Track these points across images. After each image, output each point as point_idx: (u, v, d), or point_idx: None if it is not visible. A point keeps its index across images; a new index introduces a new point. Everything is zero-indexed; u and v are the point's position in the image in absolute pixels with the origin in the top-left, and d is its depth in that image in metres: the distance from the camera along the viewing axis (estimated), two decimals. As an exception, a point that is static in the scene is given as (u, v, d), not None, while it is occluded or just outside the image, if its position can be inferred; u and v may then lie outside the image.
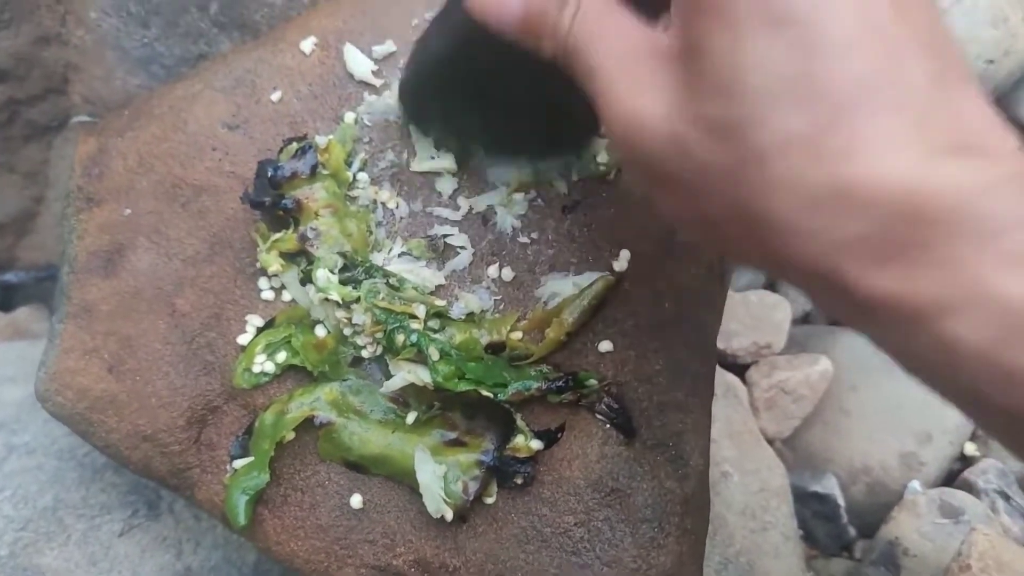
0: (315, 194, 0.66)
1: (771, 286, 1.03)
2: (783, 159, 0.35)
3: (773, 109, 0.35)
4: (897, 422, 0.88)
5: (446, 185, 0.67)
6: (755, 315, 0.95)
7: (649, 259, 0.66)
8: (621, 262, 0.65)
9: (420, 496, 0.61)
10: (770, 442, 0.89)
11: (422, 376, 0.61)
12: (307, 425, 0.63)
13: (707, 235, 0.43)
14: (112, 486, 0.76)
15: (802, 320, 1.01)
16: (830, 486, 0.87)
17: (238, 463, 0.63)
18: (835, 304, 0.38)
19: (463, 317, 0.64)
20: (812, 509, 0.87)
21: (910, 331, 0.34)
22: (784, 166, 0.35)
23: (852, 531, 0.87)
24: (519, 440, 0.62)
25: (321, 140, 0.68)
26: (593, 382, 0.62)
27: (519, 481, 0.61)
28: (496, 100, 0.60)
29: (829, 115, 0.34)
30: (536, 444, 0.62)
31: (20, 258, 1.03)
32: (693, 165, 0.38)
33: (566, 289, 0.64)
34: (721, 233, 0.40)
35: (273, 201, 0.66)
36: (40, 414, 0.80)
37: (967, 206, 0.33)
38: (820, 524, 0.87)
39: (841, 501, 0.87)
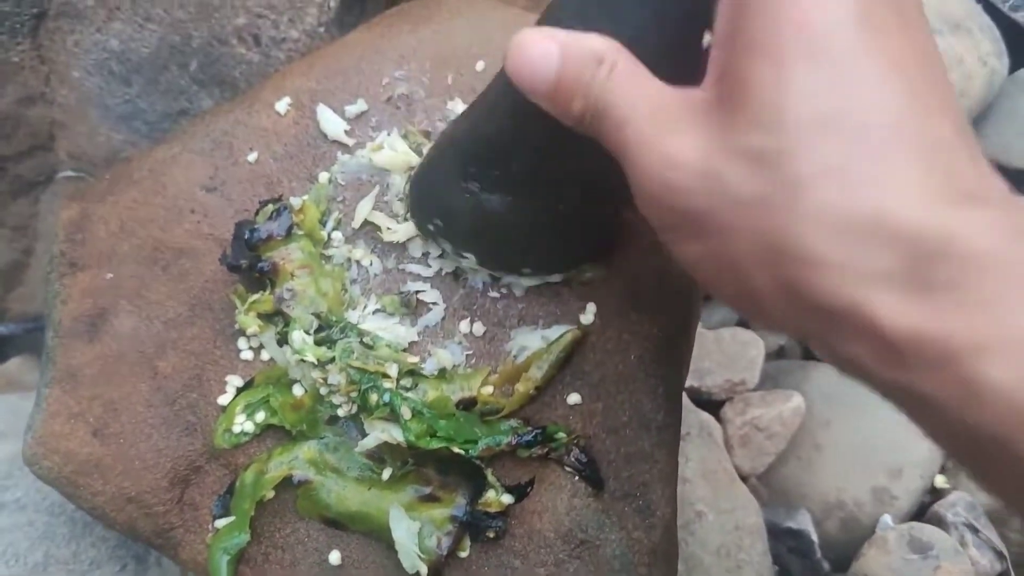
0: (291, 255, 0.69)
1: (744, 323, 1.05)
2: (818, 188, 0.36)
3: (812, 140, 0.37)
4: (869, 456, 0.90)
5: (418, 247, 0.69)
6: (728, 352, 0.97)
7: (615, 312, 0.68)
8: (588, 315, 0.67)
9: (396, 552, 0.63)
10: (744, 479, 0.91)
11: (395, 435, 0.63)
12: (286, 483, 0.65)
13: (725, 276, 0.42)
14: (102, 540, 0.78)
15: (775, 355, 1.03)
16: (804, 522, 0.89)
17: (220, 523, 0.65)
18: (852, 344, 0.38)
19: (435, 374, 0.66)
20: (787, 545, 0.89)
21: (935, 370, 0.35)
22: (819, 195, 0.36)
23: (826, 566, 0.89)
24: (491, 495, 0.64)
25: (296, 201, 0.70)
26: (562, 435, 0.64)
27: (491, 535, 0.63)
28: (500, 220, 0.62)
29: (865, 150, 0.36)
30: (507, 498, 0.64)
31: (10, 309, 1.05)
32: (726, 197, 0.39)
33: (535, 343, 0.67)
34: (741, 272, 0.40)
35: (250, 263, 0.68)
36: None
37: (998, 250, 0.34)
38: (795, 560, 0.89)
39: (815, 537, 0.89)
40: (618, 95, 0.44)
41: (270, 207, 0.70)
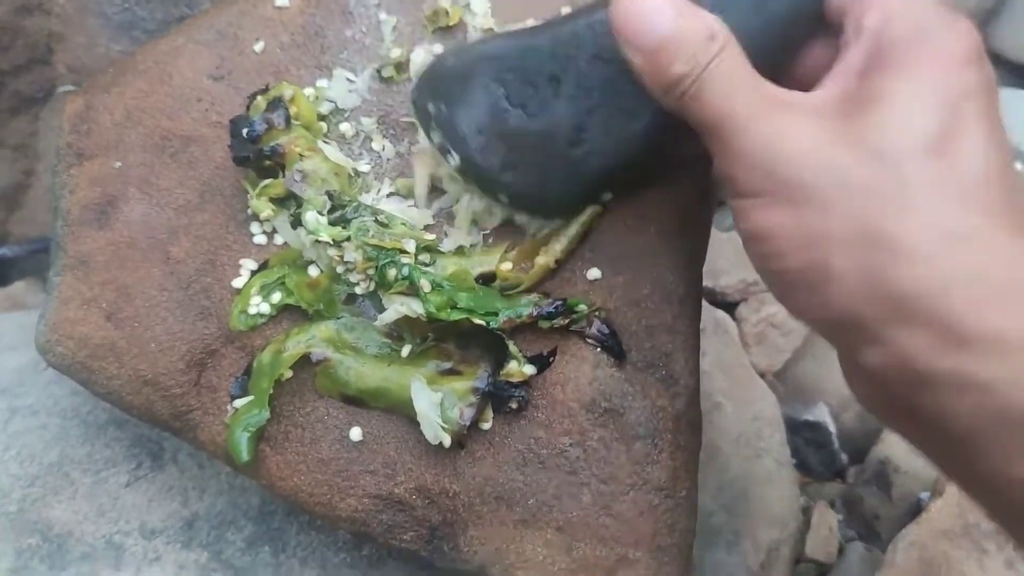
0: (296, 140, 0.67)
1: (757, 224, 1.04)
2: (929, 195, 0.41)
3: (928, 159, 0.42)
4: (885, 349, 0.89)
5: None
6: (743, 253, 0.96)
7: (633, 187, 0.67)
8: (606, 193, 0.67)
9: (418, 426, 0.62)
10: (761, 376, 0.91)
11: (415, 308, 0.62)
12: (304, 363, 0.64)
13: (799, 247, 0.44)
14: (116, 440, 0.78)
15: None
16: (821, 414, 0.89)
17: (238, 403, 0.64)
18: (911, 331, 0.40)
19: (453, 250, 0.66)
20: (804, 437, 0.89)
21: (998, 357, 0.38)
22: (928, 199, 0.41)
23: (844, 457, 0.89)
24: (512, 366, 0.63)
25: (287, 91, 0.69)
26: (583, 307, 0.64)
27: (514, 406, 0.63)
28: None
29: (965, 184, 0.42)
30: (529, 369, 0.63)
31: (12, 232, 1.04)
32: (835, 177, 0.43)
33: (546, 228, 0.66)
34: (822, 247, 0.43)
35: (256, 154, 0.67)
36: (42, 378, 0.82)
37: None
38: (813, 452, 0.89)
39: (832, 428, 0.88)
40: (726, 71, 0.46)
41: (260, 99, 0.69)
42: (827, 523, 0.81)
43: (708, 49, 0.46)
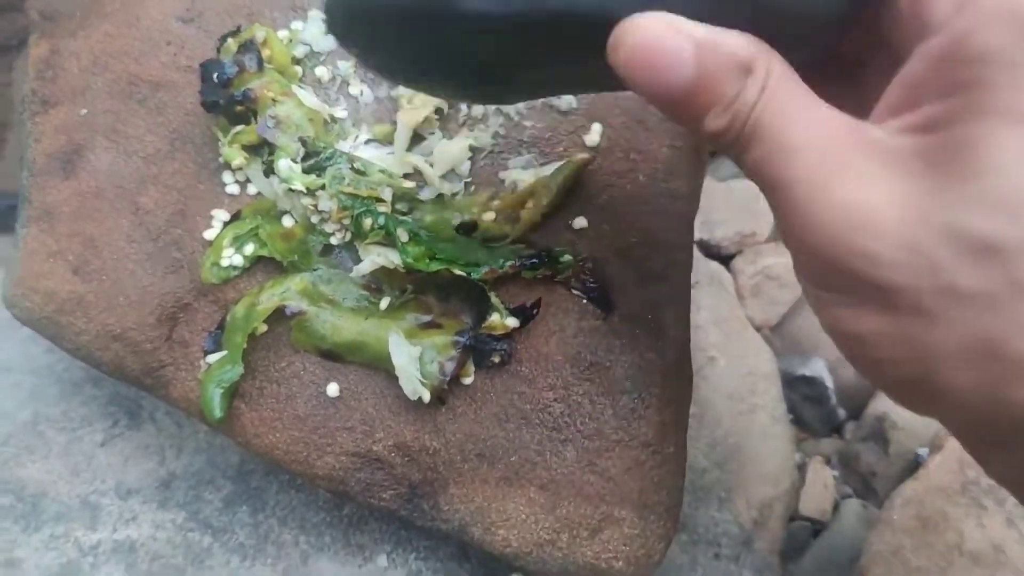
0: (269, 84, 0.65)
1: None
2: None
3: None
4: (884, 303, 0.87)
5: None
6: (739, 204, 0.94)
7: (622, 132, 0.64)
8: (593, 136, 0.64)
9: (397, 380, 0.60)
10: (757, 329, 0.88)
11: (392, 258, 0.60)
12: (279, 316, 0.62)
13: (905, 358, 0.35)
14: (92, 399, 0.76)
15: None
16: (818, 369, 0.86)
17: (211, 358, 0.62)
18: None
19: (432, 199, 0.63)
20: (801, 393, 0.87)
21: None
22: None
23: (842, 413, 0.86)
24: (495, 318, 0.60)
25: (259, 33, 0.66)
26: (568, 258, 0.61)
27: (496, 360, 0.60)
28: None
29: None
30: (512, 321, 0.61)
31: (-11, 187, 1.01)
32: (937, 282, 0.33)
33: (528, 178, 0.63)
34: (934, 361, 0.34)
35: (227, 100, 0.64)
36: (17, 334, 0.80)
37: None
38: (809, 407, 0.86)
39: (830, 383, 0.86)
40: (776, 118, 0.36)
41: (231, 42, 0.66)
42: (822, 480, 0.79)
43: (746, 92, 0.37)
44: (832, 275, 0.36)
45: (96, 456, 0.73)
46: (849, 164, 0.35)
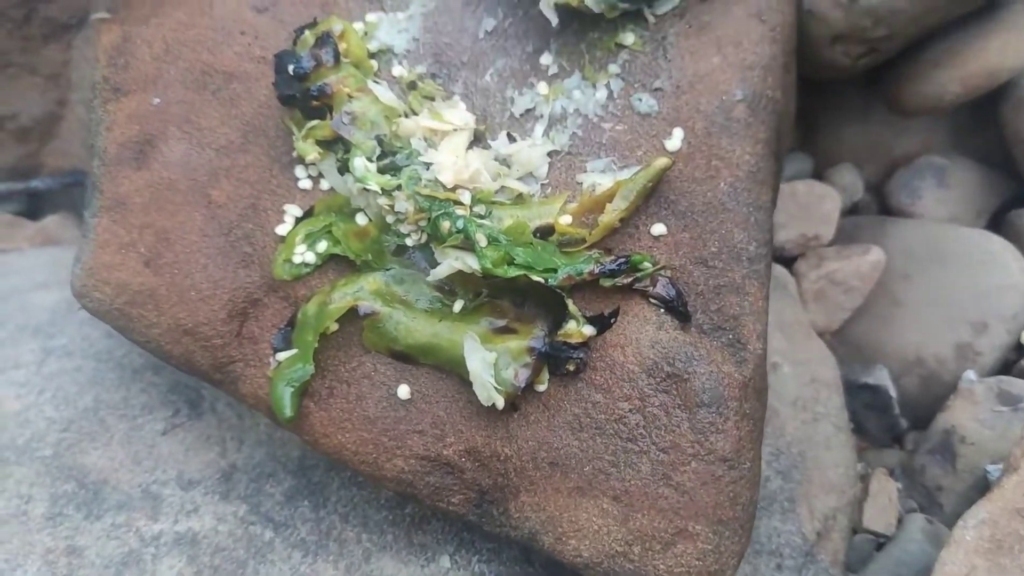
0: (345, 79, 0.64)
1: (819, 175, 0.99)
2: None
3: None
4: (951, 312, 0.85)
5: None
6: (803, 205, 0.92)
7: (703, 138, 0.63)
8: (675, 141, 0.62)
9: (469, 385, 0.59)
10: (819, 335, 0.87)
11: (470, 263, 0.59)
12: (351, 316, 0.61)
13: None
14: (152, 386, 0.75)
15: (850, 211, 0.98)
16: (882, 378, 0.85)
17: (281, 356, 0.62)
18: None
19: (510, 201, 0.62)
20: (863, 401, 0.85)
21: None
22: None
23: (904, 423, 0.85)
24: (571, 326, 0.59)
25: (337, 26, 0.65)
26: (647, 265, 0.60)
27: (571, 368, 0.59)
28: None
29: None
30: (589, 329, 0.59)
31: (45, 164, 1.01)
32: None
33: (607, 181, 0.62)
34: None
35: (302, 94, 0.63)
36: (75, 318, 0.79)
37: None
38: (871, 416, 0.85)
39: (893, 392, 0.84)
40: None
41: (308, 34, 0.65)
42: (886, 492, 0.78)
43: None
44: None
45: (157, 445, 0.72)
46: None
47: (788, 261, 0.92)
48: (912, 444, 0.85)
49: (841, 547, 0.74)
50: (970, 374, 0.83)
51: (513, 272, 0.59)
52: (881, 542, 0.77)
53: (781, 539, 0.73)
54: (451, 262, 0.59)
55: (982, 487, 0.73)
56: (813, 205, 0.92)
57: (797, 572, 0.72)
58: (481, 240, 0.59)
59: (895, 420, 0.85)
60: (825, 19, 0.79)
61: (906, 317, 0.88)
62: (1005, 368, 0.86)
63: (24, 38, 0.91)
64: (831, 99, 0.97)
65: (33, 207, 1.02)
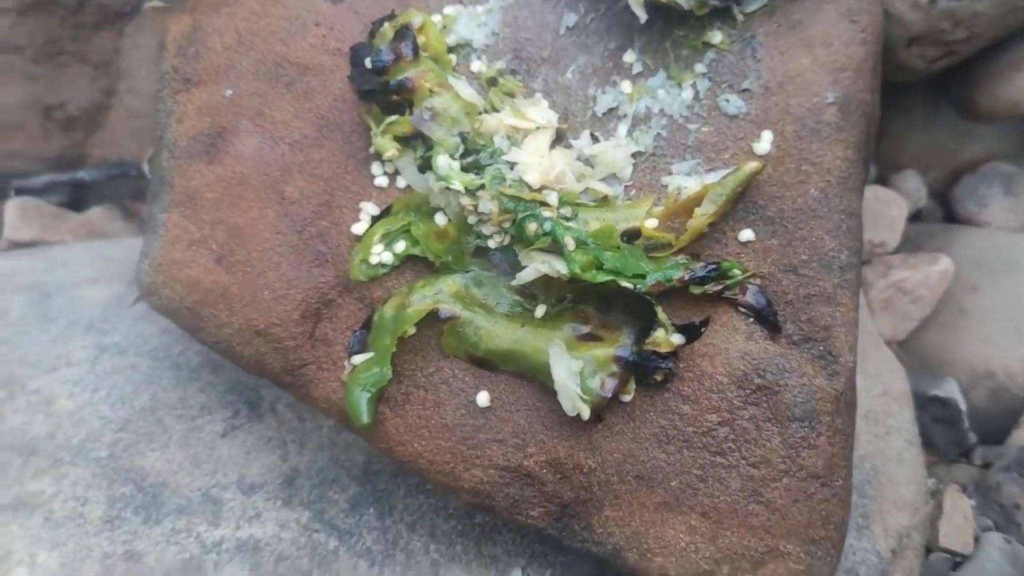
0: (425, 73, 0.62)
1: (883, 181, 0.97)
2: None
3: None
4: (1021, 324, 0.83)
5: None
6: (868, 211, 0.90)
7: (793, 141, 0.60)
8: (763, 144, 0.60)
9: (551, 393, 0.57)
10: (887, 345, 0.85)
11: (557, 267, 0.57)
12: (428, 320, 0.59)
13: None
14: (210, 386, 0.74)
15: (913, 217, 0.96)
16: (951, 391, 0.83)
17: (357, 359, 0.60)
18: None
19: (596, 203, 0.60)
20: (932, 414, 0.83)
21: None
22: None
23: (973, 437, 0.83)
24: (659, 334, 0.57)
25: (416, 19, 0.63)
26: (737, 272, 0.58)
27: (659, 378, 0.57)
28: None
29: None
30: (677, 338, 0.57)
31: (91, 155, 0.99)
32: None
33: (694, 184, 0.60)
34: None
35: (381, 88, 0.61)
36: (128, 314, 0.78)
37: None
38: (940, 430, 0.83)
39: (963, 406, 0.82)
40: None
41: (387, 27, 0.63)
42: (961, 510, 0.75)
43: None
44: None
45: (217, 447, 0.71)
46: None
47: (853, 269, 0.90)
48: (981, 459, 0.83)
49: (916, 566, 0.72)
50: (1043, 388, 0.81)
51: (602, 277, 0.56)
52: (958, 561, 0.75)
53: (857, 557, 0.71)
54: (537, 266, 0.57)
55: (1063, 506, 0.72)
56: (879, 211, 0.90)
57: (872, 591, 0.70)
58: (569, 243, 0.57)
59: (964, 434, 0.83)
60: (902, 21, 0.77)
61: (974, 328, 0.86)
62: (1078, 383, 0.84)
63: (75, 26, 0.89)
64: (896, 102, 0.95)
65: (78, 198, 1.01)
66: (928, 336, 0.87)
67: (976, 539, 0.76)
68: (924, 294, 0.86)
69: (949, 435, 0.84)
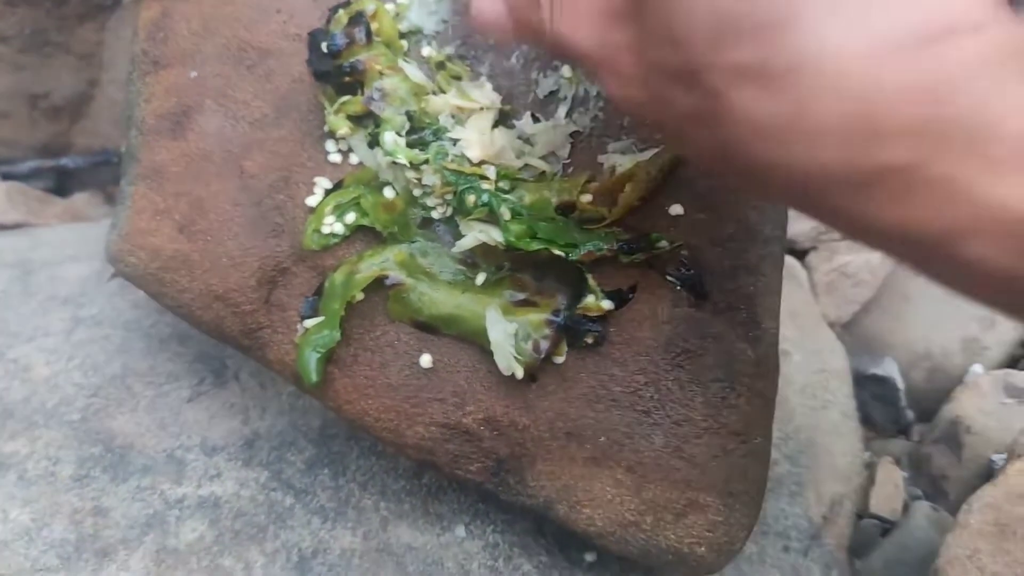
0: (377, 57, 0.66)
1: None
2: (739, 94, 0.35)
3: (719, 45, 0.35)
4: (959, 307, 0.86)
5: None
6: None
7: (721, 123, 0.64)
8: (693, 125, 0.64)
9: (490, 356, 0.61)
10: (830, 326, 0.88)
11: (494, 236, 0.61)
12: (376, 286, 0.63)
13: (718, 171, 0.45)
14: (178, 355, 0.78)
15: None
16: (890, 369, 0.87)
17: (309, 323, 0.63)
18: (826, 220, 0.38)
19: (533, 178, 0.64)
20: (870, 392, 0.87)
21: (925, 254, 0.34)
22: (742, 101, 0.35)
23: (910, 414, 0.87)
24: (590, 300, 0.61)
25: (370, 7, 0.67)
26: (664, 243, 0.62)
27: (589, 340, 0.61)
28: None
29: (771, 41, 0.33)
30: (607, 304, 0.61)
31: (75, 143, 1.03)
32: (672, 112, 0.41)
33: (626, 163, 0.63)
34: (721, 168, 0.41)
35: (336, 70, 0.65)
36: (105, 289, 0.82)
37: (949, 100, 0.31)
38: (878, 407, 0.87)
39: (900, 384, 0.86)
40: (566, 30, 0.47)
41: (342, 13, 0.67)
42: (892, 479, 0.79)
43: (542, 15, 0.47)
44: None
45: (182, 412, 0.75)
46: (609, 39, 0.45)
47: (800, 254, 0.94)
48: (918, 436, 0.86)
49: (847, 531, 0.76)
50: (977, 367, 0.85)
51: (536, 246, 0.60)
52: (886, 528, 0.78)
53: (788, 521, 0.75)
54: (476, 234, 0.61)
55: (987, 476, 0.75)
56: (826, 200, 0.94)
57: (803, 554, 0.74)
58: (505, 214, 0.61)
59: (902, 411, 0.86)
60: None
61: (915, 311, 0.89)
62: (1012, 363, 0.87)
63: (61, 17, 0.93)
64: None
65: (62, 184, 1.05)
66: (871, 319, 0.91)
67: (906, 507, 0.80)
68: (866, 278, 0.90)
69: (887, 412, 0.87)
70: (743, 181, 0.41)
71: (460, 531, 0.70)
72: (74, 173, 1.03)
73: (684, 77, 0.38)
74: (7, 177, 1.01)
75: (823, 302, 0.90)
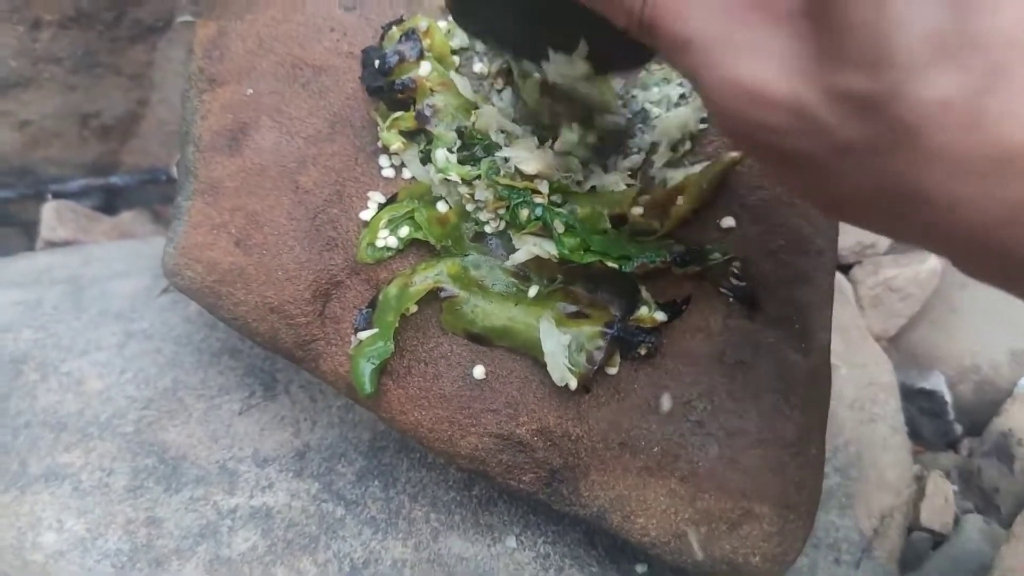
0: (427, 74, 0.67)
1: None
2: (938, 131, 0.31)
3: (922, 74, 0.31)
4: (1007, 319, 0.86)
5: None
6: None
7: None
8: (743, 138, 0.65)
9: (542, 367, 0.61)
10: (876, 340, 0.88)
11: (547, 248, 0.61)
12: (430, 298, 0.64)
13: (843, 210, 0.39)
14: (229, 369, 0.78)
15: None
16: (937, 383, 0.86)
17: (362, 335, 0.64)
18: (993, 270, 0.35)
19: (585, 192, 0.64)
20: (918, 406, 0.86)
21: None
22: (939, 138, 0.32)
23: (959, 428, 0.86)
24: (643, 311, 0.62)
25: (423, 24, 0.68)
26: (717, 255, 0.62)
27: (643, 352, 0.62)
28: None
29: (985, 76, 0.31)
30: (660, 315, 0.62)
31: (124, 162, 1.05)
32: (826, 141, 0.35)
33: (678, 176, 0.64)
34: (860, 207, 0.37)
35: (388, 87, 0.66)
36: (155, 304, 0.83)
37: None
38: (926, 421, 0.86)
39: (948, 398, 0.86)
40: (667, 6, 0.38)
41: (395, 30, 0.68)
42: (943, 493, 0.79)
43: None
44: (746, 145, 0.40)
45: (234, 424, 0.75)
46: (739, 35, 0.36)
47: (845, 268, 0.94)
48: (967, 450, 0.86)
49: (897, 544, 0.75)
50: (1025, 381, 0.84)
51: (589, 258, 0.61)
52: (938, 541, 0.78)
53: (839, 534, 0.74)
54: (529, 247, 0.62)
55: (1039, 489, 0.75)
56: (870, 214, 0.94)
57: (854, 566, 0.73)
58: (559, 227, 0.61)
59: (950, 425, 0.86)
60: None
61: (962, 325, 0.89)
62: (1062, 376, 0.87)
63: (112, 39, 0.95)
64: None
65: (110, 203, 1.06)
66: (918, 332, 0.91)
67: (956, 520, 0.79)
68: (913, 291, 0.90)
69: (935, 426, 0.87)
70: (882, 220, 0.37)
71: (511, 542, 0.71)
72: (122, 191, 1.05)
73: (866, 104, 0.33)
74: (57, 195, 1.03)
75: (869, 316, 0.90)
